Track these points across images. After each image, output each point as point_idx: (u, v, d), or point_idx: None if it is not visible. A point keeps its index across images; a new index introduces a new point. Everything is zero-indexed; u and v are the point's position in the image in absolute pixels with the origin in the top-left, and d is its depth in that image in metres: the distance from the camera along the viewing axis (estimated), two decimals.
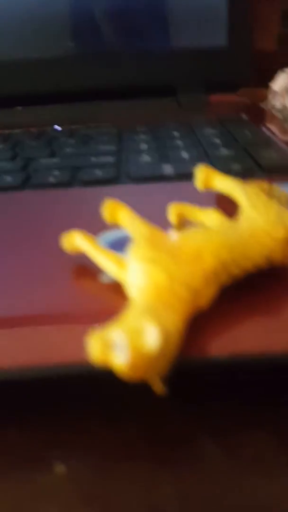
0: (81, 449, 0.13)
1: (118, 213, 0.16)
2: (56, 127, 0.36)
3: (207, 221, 0.16)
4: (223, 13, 0.40)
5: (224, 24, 0.40)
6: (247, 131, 0.30)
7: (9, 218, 0.20)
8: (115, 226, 0.17)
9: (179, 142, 0.29)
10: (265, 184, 0.17)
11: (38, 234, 0.18)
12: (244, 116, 0.36)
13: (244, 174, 0.22)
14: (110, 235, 0.17)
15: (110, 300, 0.14)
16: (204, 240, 0.13)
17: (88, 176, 0.24)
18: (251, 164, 0.24)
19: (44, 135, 0.34)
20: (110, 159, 0.27)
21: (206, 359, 0.12)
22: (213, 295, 0.13)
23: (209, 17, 0.40)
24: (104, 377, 0.11)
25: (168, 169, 0.24)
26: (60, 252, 0.16)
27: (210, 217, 0.16)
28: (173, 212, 0.17)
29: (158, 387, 0.11)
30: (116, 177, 0.24)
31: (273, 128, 0.32)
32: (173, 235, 0.14)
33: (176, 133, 0.31)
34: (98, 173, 0.24)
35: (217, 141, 0.29)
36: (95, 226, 0.17)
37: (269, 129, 0.32)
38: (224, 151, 0.27)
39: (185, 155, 0.26)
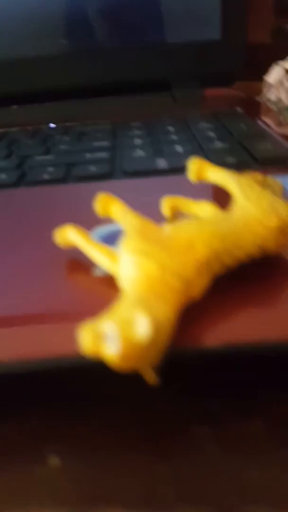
0: (76, 441, 0.13)
1: (111, 206, 0.16)
2: (51, 125, 0.36)
3: (200, 213, 0.16)
4: (217, 6, 0.40)
5: (218, 17, 0.40)
6: (242, 124, 0.30)
7: (3, 214, 0.20)
8: (109, 220, 0.17)
9: (174, 137, 0.29)
10: (259, 175, 0.17)
11: (33, 229, 0.18)
12: (239, 109, 0.35)
13: (239, 166, 0.22)
14: (103, 229, 0.17)
15: (103, 293, 0.14)
16: (196, 230, 0.13)
17: (82, 172, 0.24)
18: (246, 156, 0.24)
19: (40, 133, 0.34)
20: (104, 155, 0.27)
21: (200, 349, 0.12)
22: (206, 285, 0.13)
23: (202, 11, 0.40)
24: (97, 370, 0.11)
25: (162, 163, 0.24)
26: (55, 247, 0.16)
27: (204, 209, 0.16)
28: (166, 205, 0.17)
29: (151, 377, 0.11)
30: (110, 173, 0.24)
31: (268, 120, 0.32)
32: (166, 227, 0.14)
33: (170, 128, 0.31)
34: (93, 168, 0.24)
35: (212, 134, 0.29)
36: (89, 220, 0.17)
37: (264, 122, 0.32)
38: (218, 145, 0.26)
39: (179, 149, 0.26)
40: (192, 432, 0.13)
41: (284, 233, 0.14)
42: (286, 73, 0.36)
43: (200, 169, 0.18)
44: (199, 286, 0.12)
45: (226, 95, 0.41)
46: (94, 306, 0.13)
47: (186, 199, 0.17)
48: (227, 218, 0.15)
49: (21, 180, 0.24)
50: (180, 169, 0.22)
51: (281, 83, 0.36)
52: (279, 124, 0.31)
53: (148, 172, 0.23)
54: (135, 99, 0.40)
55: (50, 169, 0.25)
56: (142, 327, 0.10)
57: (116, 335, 0.10)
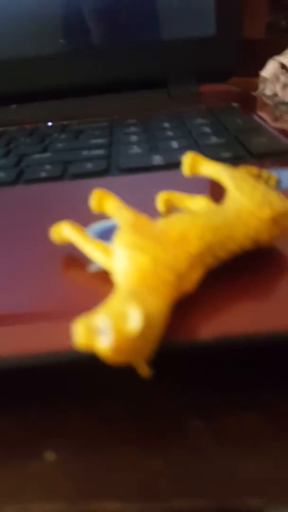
0: (70, 436, 0.13)
1: (105, 202, 0.16)
2: (49, 123, 0.36)
3: (195, 207, 0.16)
4: (211, 2, 0.40)
5: (213, 13, 0.40)
6: (238, 119, 0.30)
7: (1, 212, 0.20)
8: (105, 216, 0.17)
9: (170, 133, 0.29)
10: (253, 168, 0.17)
11: (30, 227, 0.18)
12: (235, 104, 0.36)
13: (234, 161, 0.22)
14: (99, 225, 0.17)
15: (98, 288, 0.14)
16: (188, 223, 0.13)
17: (79, 169, 0.24)
18: (242, 151, 0.24)
19: (38, 131, 0.34)
20: (101, 152, 0.27)
21: (192, 341, 0.12)
22: (199, 277, 0.13)
23: (197, 7, 0.40)
24: (92, 364, 0.11)
25: (157, 159, 0.24)
26: (52, 243, 0.16)
27: (198, 204, 0.16)
28: (161, 200, 0.17)
29: (143, 370, 0.11)
30: (106, 170, 0.24)
31: (264, 115, 0.32)
32: (159, 221, 0.14)
33: (166, 124, 0.31)
34: (89, 166, 0.24)
35: (208, 130, 0.29)
36: (86, 217, 0.17)
37: (260, 116, 0.32)
38: (214, 140, 0.26)
39: (175, 145, 0.26)
40: (186, 425, 0.13)
41: (277, 224, 0.14)
42: (282, 67, 0.36)
43: (194, 163, 0.18)
44: (192, 279, 0.13)
45: (222, 90, 0.41)
46: (89, 302, 0.13)
47: (181, 194, 0.17)
48: (220, 210, 0.15)
49: (19, 178, 0.24)
50: (175, 165, 0.22)
51: (276, 77, 0.36)
52: (275, 118, 0.31)
53: (144, 169, 0.23)
54: (132, 96, 0.40)
55: (48, 167, 0.25)
56: (134, 320, 0.10)
57: (109, 328, 0.10)
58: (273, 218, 0.14)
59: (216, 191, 0.18)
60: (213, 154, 0.24)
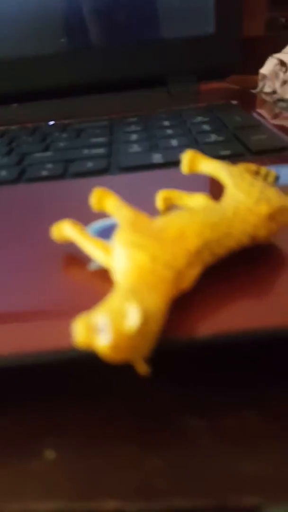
0: (70, 434, 0.13)
1: (105, 200, 0.16)
2: (50, 122, 0.36)
3: (194, 205, 0.17)
4: (210, 1, 0.40)
5: (212, 11, 0.40)
6: (237, 116, 0.30)
7: (3, 210, 0.20)
8: (106, 215, 0.17)
9: (169, 131, 0.29)
10: (252, 165, 0.18)
11: (31, 225, 0.18)
12: (234, 102, 0.36)
13: (234, 158, 0.22)
14: (99, 223, 0.17)
15: (98, 287, 0.14)
16: (186, 220, 0.14)
17: (79, 168, 0.24)
18: (241, 148, 0.24)
19: (39, 130, 0.34)
20: (101, 151, 0.27)
21: (191, 338, 0.12)
22: (197, 274, 0.13)
23: (196, 5, 0.40)
24: (91, 362, 0.11)
25: (157, 157, 0.24)
26: (52, 241, 0.16)
27: (197, 201, 0.16)
28: (160, 198, 0.17)
29: (142, 367, 0.11)
30: (106, 168, 0.24)
31: (263, 112, 0.32)
32: (158, 219, 0.14)
33: (166, 123, 0.31)
34: (90, 164, 0.25)
35: (207, 128, 0.29)
36: (86, 215, 0.17)
37: (259, 113, 0.32)
38: (213, 137, 0.27)
39: (174, 143, 0.26)
40: (186, 424, 0.13)
41: (275, 220, 0.14)
42: (281, 65, 0.37)
43: (192, 161, 0.18)
44: (190, 276, 0.13)
45: (221, 88, 0.41)
46: (89, 300, 0.13)
47: (180, 192, 0.17)
48: (218, 207, 0.15)
49: (20, 177, 0.24)
50: (175, 163, 0.22)
51: (275, 75, 0.36)
52: (274, 115, 0.31)
53: (144, 167, 0.23)
54: (132, 95, 0.40)
55: (49, 165, 0.25)
56: (132, 318, 0.10)
57: (108, 326, 0.10)
58: (271, 214, 0.14)
59: (215, 189, 0.18)
60: (212, 151, 0.24)
